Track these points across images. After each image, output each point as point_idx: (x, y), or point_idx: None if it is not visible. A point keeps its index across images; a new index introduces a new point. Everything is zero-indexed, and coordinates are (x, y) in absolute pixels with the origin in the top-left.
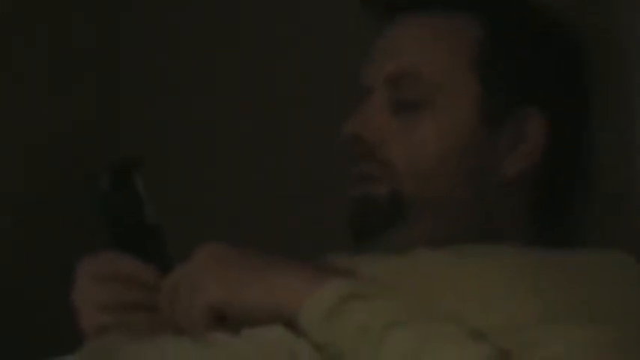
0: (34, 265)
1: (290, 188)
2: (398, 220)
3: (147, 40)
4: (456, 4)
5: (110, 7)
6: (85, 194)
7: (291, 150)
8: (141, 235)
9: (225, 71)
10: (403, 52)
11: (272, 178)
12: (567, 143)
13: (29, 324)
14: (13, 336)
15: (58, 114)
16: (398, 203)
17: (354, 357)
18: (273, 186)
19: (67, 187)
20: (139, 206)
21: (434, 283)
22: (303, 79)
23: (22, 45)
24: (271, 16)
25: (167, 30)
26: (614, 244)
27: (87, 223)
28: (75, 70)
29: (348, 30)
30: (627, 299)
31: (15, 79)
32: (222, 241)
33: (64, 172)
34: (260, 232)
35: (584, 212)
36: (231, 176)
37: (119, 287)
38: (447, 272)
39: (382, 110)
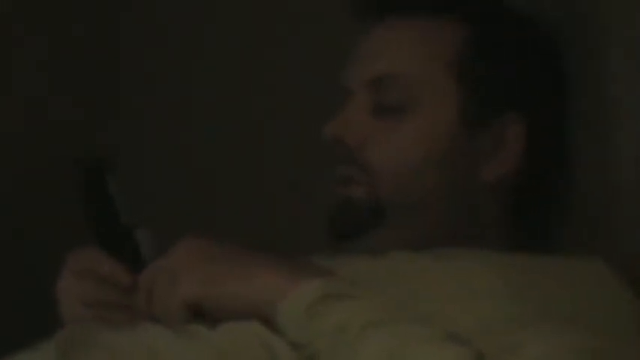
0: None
1: (271, 187)
2: (377, 223)
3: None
4: (439, 9)
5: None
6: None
7: (272, 150)
8: (116, 234)
9: (209, 71)
10: (385, 55)
11: (254, 177)
12: (547, 148)
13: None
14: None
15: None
16: (376, 207)
17: (330, 356)
18: (254, 185)
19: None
20: (111, 206)
21: (412, 285)
22: (288, 80)
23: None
24: (259, 16)
25: (152, 29)
26: (593, 250)
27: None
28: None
29: (333, 30)
30: (605, 306)
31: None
32: (200, 236)
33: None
34: (241, 230)
35: (564, 218)
36: (213, 174)
37: (96, 286)
38: (425, 275)
39: (363, 113)
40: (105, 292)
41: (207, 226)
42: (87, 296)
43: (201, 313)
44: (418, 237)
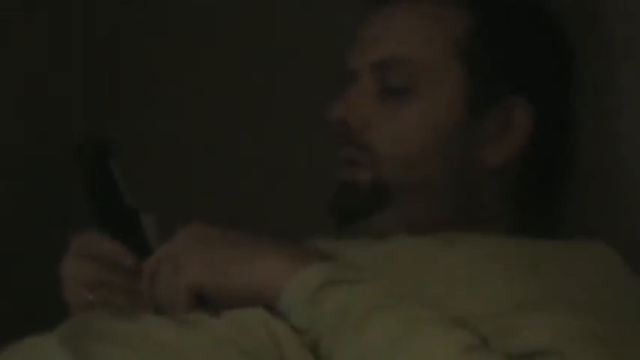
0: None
1: (273, 171)
2: (380, 205)
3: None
4: None
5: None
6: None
7: (272, 136)
8: (119, 218)
9: (209, 62)
10: (390, 38)
11: (255, 161)
12: (553, 132)
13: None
14: None
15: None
16: (380, 189)
17: (333, 340)
18: (256, 169)
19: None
20: (115, 190)
21: (415, 269)
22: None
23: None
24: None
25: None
26: (598, 234)
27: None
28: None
29: (331, 15)
30: (608, 290)
31: None
32: (204, 222)
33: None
34: (243, 215)
35: (568, 200)
36: (214, 159)
37: (100, 268)
38: (428, 259)
39: (367, 96)
40: (108, 275)
41: (210, 211)
42: (90, 279)
43: (204, 299)
44: (421, 219)
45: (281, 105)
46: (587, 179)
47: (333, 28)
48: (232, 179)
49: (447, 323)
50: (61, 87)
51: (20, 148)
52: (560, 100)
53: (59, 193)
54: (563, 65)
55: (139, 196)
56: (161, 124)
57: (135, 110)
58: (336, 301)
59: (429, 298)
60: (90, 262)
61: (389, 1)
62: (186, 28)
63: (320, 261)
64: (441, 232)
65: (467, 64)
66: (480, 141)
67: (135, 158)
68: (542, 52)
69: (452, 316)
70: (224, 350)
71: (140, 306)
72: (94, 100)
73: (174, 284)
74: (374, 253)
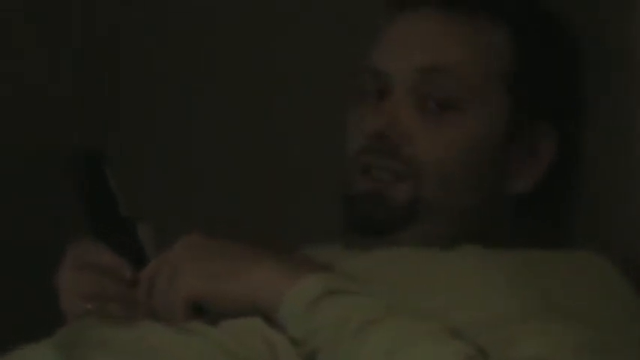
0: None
1: (274, 174)
2: (412, 221)
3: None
4: (481, 7)
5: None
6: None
7: (273, 143)
8: (116, 227)
9: (209, 62)
10: (436, 45)
11: (255, 171)
12: (571, 158)
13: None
14: None
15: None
16: (415, 206)
17: (331, 352)
18: (255, 179)
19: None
20: (111, 200)
21: (413, 279)
22: (288, 74)
23: None
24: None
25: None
26: (601, 245)
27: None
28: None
29: (331, 15)
30: (606, 301)
31: None
32: (201, 233)
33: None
34: (241, 226)
35: (574, 214)
36: (214, 168)
37: (97, 278)
38: (425, 269)
39: (408, 106)
40: (105, 285)
41: (206, 221)
42: (87, 289)
43: (202, 309)
44: (441, 236)
45: (281, 105)
46: (593, 195)
47: (334, 28)
48: (233, 179)
49: (446, 334)
50: (60, 87)
51: (20, 148)
52: (580, 127)
53: (59, 194)
54: (584, 91)
55: (136, 204)
56: (161, 125)
57: (135, 110)
58: (333, 313)
59: (427, 309)
60: (87, 273)
61: (425, 9)
62: (186, 28)
63: (318, 271)
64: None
65: (511, 89)
66: (509, 167)
67: (134, 159)
68: (569, 79)
69: (451, 327)
70: (221, 359)
71: (137, 316)
72: (93, 101)
73: (172, 294)
74: (370, 264)
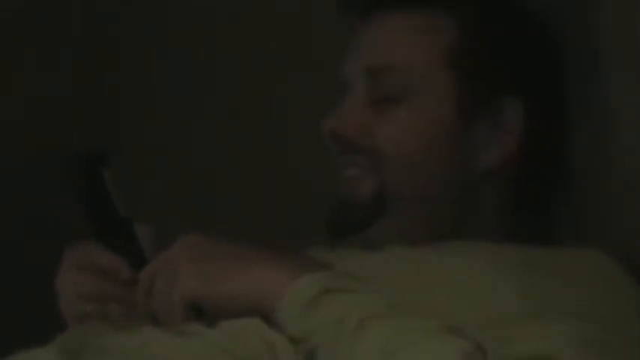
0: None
1: (270, 182)
2: (378, 216)
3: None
4: (432, 2)
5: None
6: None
7: (271, 146)
8: (114, 228)
9: (209, 62)
10: (380, 46)
11: (252, 171)
12: (546, 135)
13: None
14: None
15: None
16: (380, 198)
17: (329, 350)
18: (253, 180)
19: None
20: (110, 200)
21: (411, 278)
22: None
23: None
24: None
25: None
26: (594, 239)
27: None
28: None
29: (325, 26)
30: (606, 298)
31: None
32: (200, 233)
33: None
34: (240, 225)
35: (565, 207)
36: (211, 169)
37: (96, 279)
38: (425, 269)
39: (361, 103)
40: (104, 286)
41: (206, 221)
42: (86, 290)
43: (200, 310)
44: (418, 227)
45: (281, 105)
46: (584, 182)
47: (333, 28)
48: (233, 179)
49: (445, 332)
50: (60, 87)
51: (20, 148)
52: (552, 101)
53: (59, 194)
54: (554, 65)
55: (135, 205)
56: (161, 125)
57: (135, 111)
58: (332, 310)
59: (427, 308)
60: (86, 274)
61: (380, 9)
62: (186, 28)
63: (316, 270)
64: (437, 241)
65: (456, 69)
66: (474, 145)
67: (134, 159)
68: (530, 52)
69: (450, 325)
70: None
71: (136, 317)
72: (93, 101)
73: (170, 296)
74: (369, 264)
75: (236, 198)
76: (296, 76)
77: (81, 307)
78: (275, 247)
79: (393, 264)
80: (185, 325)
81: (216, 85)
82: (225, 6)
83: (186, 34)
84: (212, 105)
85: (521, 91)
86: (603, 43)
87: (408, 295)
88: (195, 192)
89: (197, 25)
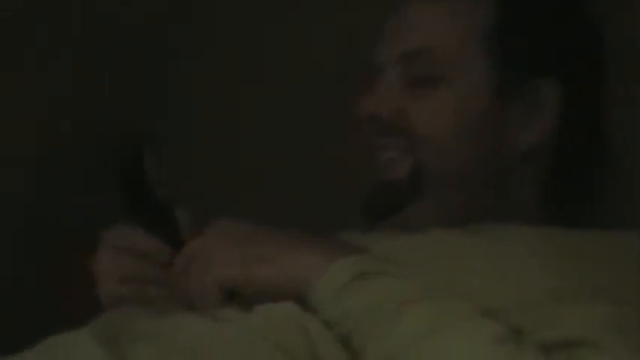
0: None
1: (307, 167)
2: (414, 197)
3: None
4: None
5: None
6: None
7: (308, 131)
8: (154, 211)
9: (210, 62)
10: (417, 29)
11: (285, 156)
12: (584, 116)
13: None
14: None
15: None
16: (417, 178)
17: (365, 334)
18: (285, 164)
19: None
20: (149, 184)
21: (447, 261)
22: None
23: None
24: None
25: None
26: (631, 224)
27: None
28: None
29: (352, 12)
30: None
31: None
32: (235, 218)
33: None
34: (276, 210)
35: (603, 191)
36: (243, 155)
37: (135, 262)
38: (461, 252)
39: (397, 86)
40: (142, 268)
41: (243, 206)
42: (124, 272)
43: (236, 294)
44: (454, 209)
45: (281, 105)
46: (622, 168)
47: (334, 28)
48: (266, 176)
49: (480, 315)
50: (60, 87)
51: (20, 148)
52: (590, 83)
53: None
54: (593, 47)
55: (174, 189)
56: (161, 125)
57: (135, 111)
58: (368, 294)
59: (462, 291)
60: (125, 256)
61: None
62: (187, 28)
63: (353, 254)
64: (473, 224)
65: (490, 53)
66: (510, 128)
67: (170, 152)
68: (568, 34)
69: (485, 308)
70: (257, 345)
71: (172, 301)
72: (93, 101)
73: (205, 280)
74: (405, 247)
75: (271, 183)
76: (296, 76)
77: (119, 290)
78: (310, 232)
79: (429, 247)
80: (219, 309)
81: (217, 84)
82: (225, 5)
83: (186, 33)
84: (212, 104)
85: (559, 74)
86: None
87: (443, 278)
88: (232, 179)
89: (197, 24)
